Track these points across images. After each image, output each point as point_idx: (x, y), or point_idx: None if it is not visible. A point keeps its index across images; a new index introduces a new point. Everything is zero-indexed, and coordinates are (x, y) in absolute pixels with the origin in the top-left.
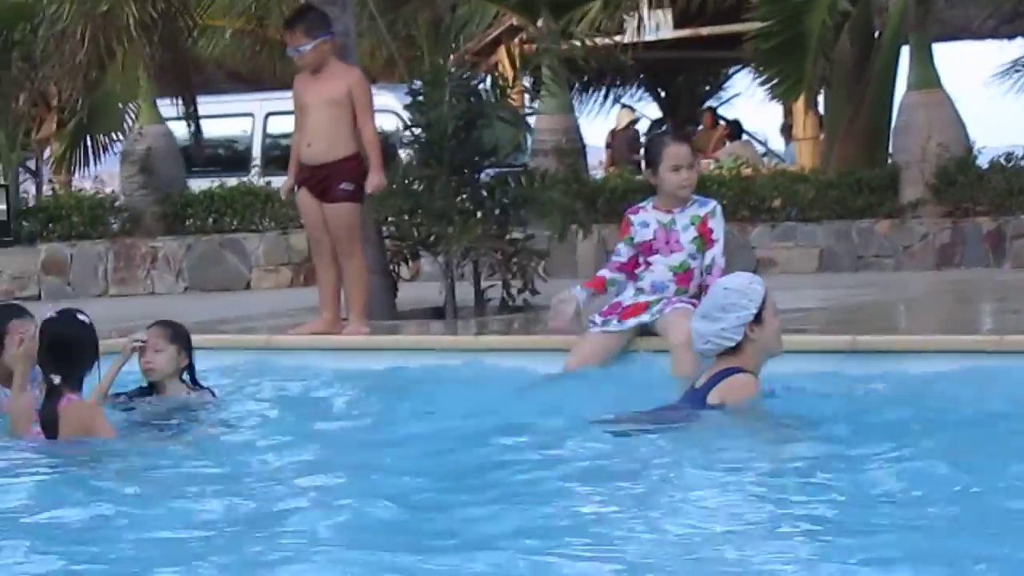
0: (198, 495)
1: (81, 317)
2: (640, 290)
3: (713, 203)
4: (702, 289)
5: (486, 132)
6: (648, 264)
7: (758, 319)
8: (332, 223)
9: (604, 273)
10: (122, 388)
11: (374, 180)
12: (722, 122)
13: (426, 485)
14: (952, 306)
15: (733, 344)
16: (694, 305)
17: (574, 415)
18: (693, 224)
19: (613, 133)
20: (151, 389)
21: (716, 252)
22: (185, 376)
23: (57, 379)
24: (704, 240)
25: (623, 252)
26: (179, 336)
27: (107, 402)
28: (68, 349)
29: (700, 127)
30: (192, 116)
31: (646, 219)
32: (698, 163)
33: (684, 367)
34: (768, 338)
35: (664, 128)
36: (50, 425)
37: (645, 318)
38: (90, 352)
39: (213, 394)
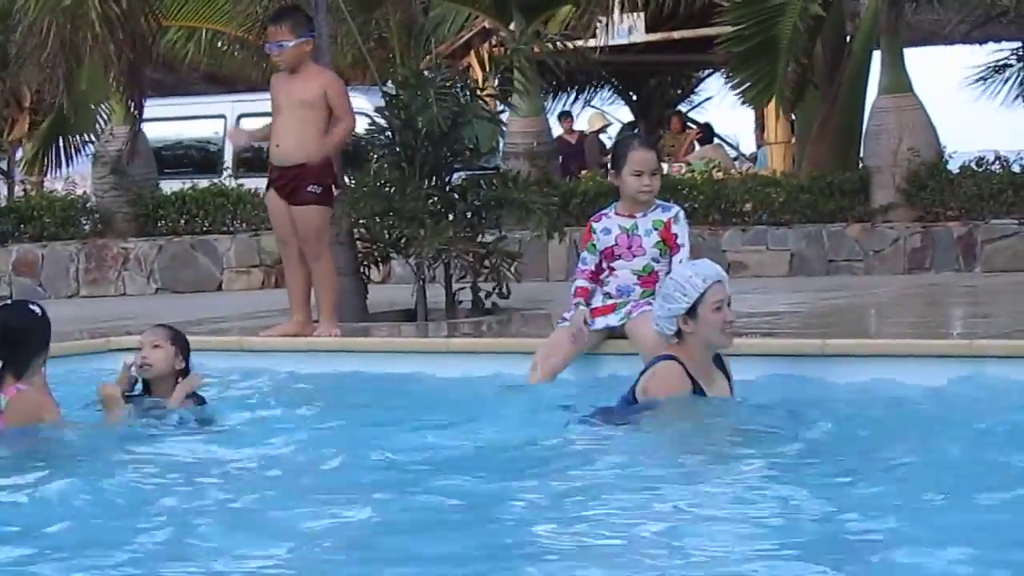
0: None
1: (33, 307)
2: (607, 295)
3: (676, 208)
4: None
5: (466, 130)
6: (612, 270)
7: (692, 313)
8: (300, 225)
9: (580, 283)
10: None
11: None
12: (693, 126)
13: (394, 492)
14: (923, 310)
15: (670, 333)
16: None
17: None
18: (656, 229)
19: (583, 136)
20: (146, 389)
21: (683, 256)
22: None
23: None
24: (668, 244)
25: (588, 260)
26: (178, 339)
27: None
28: (15, 336)
29: (668, 131)
30: (136, 119)
31: (608, 226)
32: (661, 170)
33: None
34: (705, 332)
35: (635, 131)
36: None
37: (613, 320)
38: (37, 340)
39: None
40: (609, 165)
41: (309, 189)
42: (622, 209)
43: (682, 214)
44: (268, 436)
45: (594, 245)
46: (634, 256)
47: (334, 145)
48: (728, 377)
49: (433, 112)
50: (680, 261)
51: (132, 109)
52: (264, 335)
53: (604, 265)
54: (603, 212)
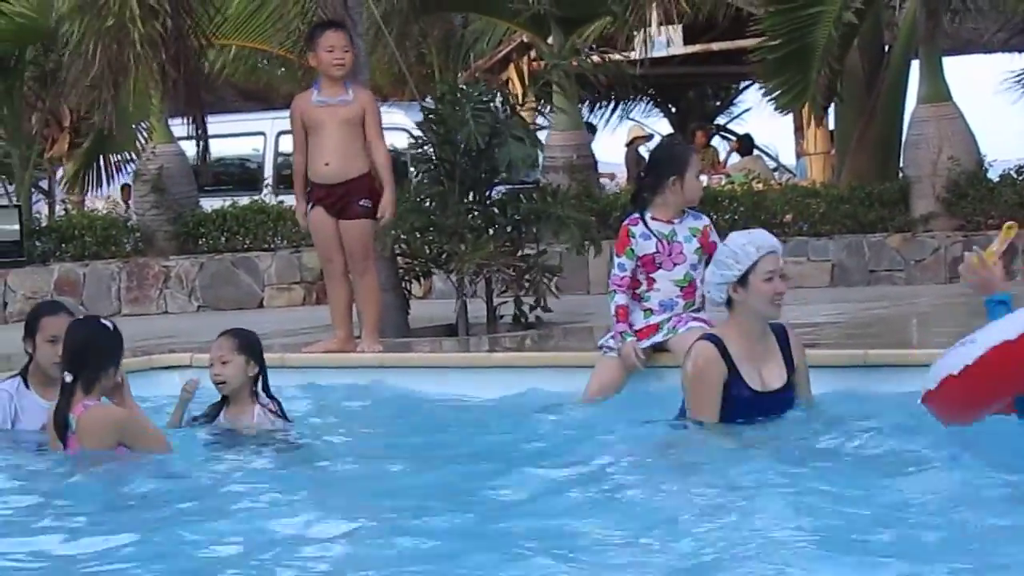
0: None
1: (104, 322)
2: (648, 311)
3: (705, 218)
4: (705, 299)
5: (500, 151)
6: (652, 281)
7: (743, 281)
8: (349, 239)
9: (620, 300)
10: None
11: (388, 204)
12: (732, 138)
13: (437, 506)
14: (965, 319)
15: (720, 301)
16: (704, 322)
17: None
18: (694, 236)
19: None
20: (223, 402)
21: None
22: (258, 387)
23: (69, 377)
24: (707, 252)
25: (627, 266)
26: (246, 345)
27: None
28: (85, 350)
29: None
30: (201, 136)
31: (646, 231)
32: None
33: None
34: (753, 302)
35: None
36: (61, 429)
37: (658, 337)
38: (107, 356)
39: (285, 416)
40: (664, 173)
41: (361, 203)
42: (660, 215)
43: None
44: (324, 453)
45: (632, 250)
46: (675, 264)
47: (389, 170)
48: (789, 360)
49: (471, 128)
50: None
51: (196, 128)
52: (307, 351)
53: (642, 275)
54: (635, 216)
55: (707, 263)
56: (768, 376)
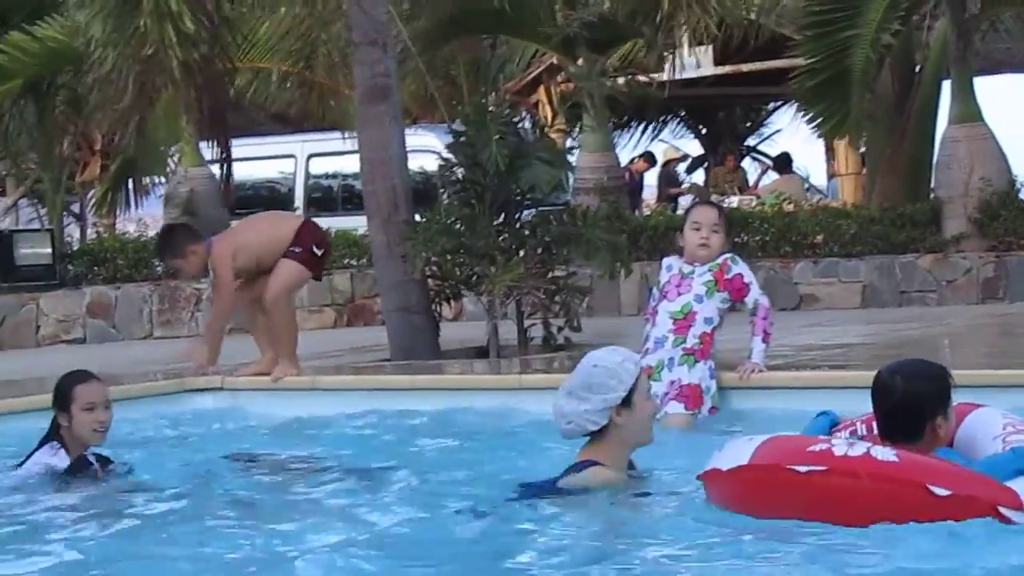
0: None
1: None
2: (646, 351)
3: (728, 254)
4: (702, 339)
5: (525, 172)
6: (655, 315)
7: (627, 403)
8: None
9: (645, 331)
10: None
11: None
12: (766, 159)
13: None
14: (997, 340)
15: (596, 428)
16: (686, 399)
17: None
18: (710, 271)
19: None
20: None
21: (755, 294)
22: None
23: None
24: (717, 283)
25: (655, 296)
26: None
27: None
28: None
29: (721, 167)
30: (226, 160)
31: (671, 264)
32: (722, 229)
33: None
34: (635, 426)
35: (704, 164)
36: None
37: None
38: None
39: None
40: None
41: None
42: (686, 258)
43: (735, 256)
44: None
45: (658, 282)
46: (679, 295)
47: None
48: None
49: (493, 150)
50: (755, 300)
51: (221, 152)
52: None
53: (652, 307)
54: (676, 254)
55: (723, 299)
56: None
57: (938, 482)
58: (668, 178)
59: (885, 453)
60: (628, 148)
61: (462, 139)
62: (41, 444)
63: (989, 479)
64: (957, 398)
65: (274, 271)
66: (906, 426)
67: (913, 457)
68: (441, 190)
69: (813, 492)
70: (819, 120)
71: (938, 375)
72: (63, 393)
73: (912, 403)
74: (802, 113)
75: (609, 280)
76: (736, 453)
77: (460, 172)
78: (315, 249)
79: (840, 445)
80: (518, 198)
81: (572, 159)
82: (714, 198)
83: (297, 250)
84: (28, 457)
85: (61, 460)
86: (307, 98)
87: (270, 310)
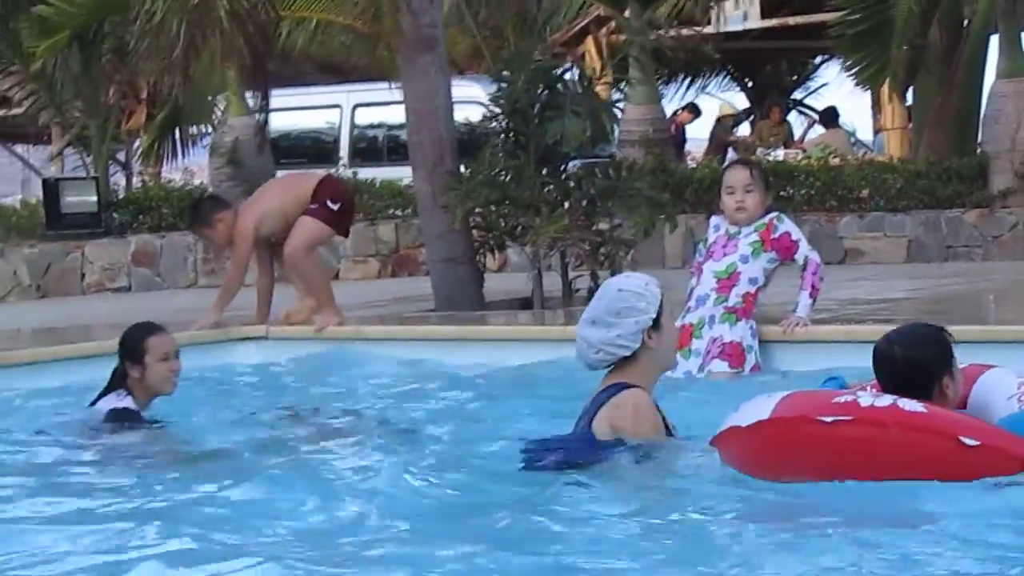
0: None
1: None
2: (688, 308)
3: (775, 213)
4: (744, 299)
5: (553, 124)
6: (700, 272)
7: (656, 324)
8: None
9: (690, 284)
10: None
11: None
12: (813, 114)
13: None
14: None
15: (628, 353)
16: (729, 358)
17: None
18: (756, 231)
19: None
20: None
21: (804, 250)
22: None
23: None
24: (763, 243)
25: (702, 251)
26: None
27: None
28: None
29: (766, 120)
30: (263, 108)
31: (719, 224)
32: (759, 187)
33: None
34: (666, 348)
35: (750, 118)
36: None
37: (693, 367)
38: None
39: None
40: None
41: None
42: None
43: (781, 215)
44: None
45: (705, 239)
46: (724, 255)
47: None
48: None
49: (521, 95)
50: (805, 255)
51: (260, 100)
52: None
53: (699, 263)
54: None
55: (770, 259)
56: None
57: (968, 433)
58: (723, 130)
59: (913, 404)
60: (674, 101)
61: (503, 85)
62: (104, 393)
63: (1015, 435)
64: (1001, 355)
65: (292, 230)
66: (913, 392)
67: (941, 409)
68: (490, 141)
69: (838, 444)
70: (857, 69)
71: (936, 337)
72: (135, 345)
73: (915, 369)
74: (842, 63)
75: (646, 237)
76: (756, 409)
77: (504, 121)
78: (330, 204)
79: (866, 396)
80: (559, 147)
81: (618, 111)
82: (759, 151)
83: (314, 206)
84: (94, 404)
85: (130, 407)
86: (352, 48)
87: (290, 270)
